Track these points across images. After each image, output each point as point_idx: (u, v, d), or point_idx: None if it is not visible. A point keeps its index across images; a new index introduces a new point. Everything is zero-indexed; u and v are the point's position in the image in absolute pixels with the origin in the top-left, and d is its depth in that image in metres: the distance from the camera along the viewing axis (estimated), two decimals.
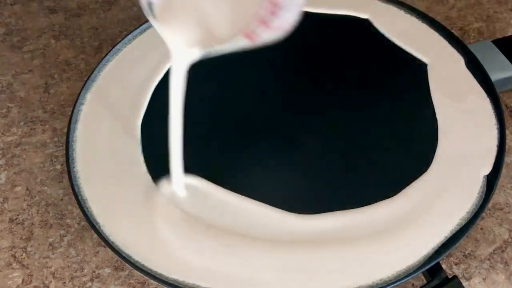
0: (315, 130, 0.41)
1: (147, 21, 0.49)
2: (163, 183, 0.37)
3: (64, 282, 0.40)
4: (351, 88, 0.44)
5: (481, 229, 0.41)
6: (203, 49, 0.31)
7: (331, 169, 0.39)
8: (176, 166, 0.36)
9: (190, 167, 0.36)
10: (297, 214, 0.36)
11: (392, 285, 0.33)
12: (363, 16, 0.48)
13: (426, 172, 0.38)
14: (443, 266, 0.38)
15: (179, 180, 0.37)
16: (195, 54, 0.31)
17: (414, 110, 0.42)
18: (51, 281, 0.40)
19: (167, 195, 0.37)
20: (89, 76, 0.45)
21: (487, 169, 0.38)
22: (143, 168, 0.39)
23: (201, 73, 0.34)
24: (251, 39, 0.28)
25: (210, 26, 0.29)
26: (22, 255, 0.41)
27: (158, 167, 0.38)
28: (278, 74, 0.46)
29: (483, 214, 0.39)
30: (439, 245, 0.34)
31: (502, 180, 0.43)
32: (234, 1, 0.29)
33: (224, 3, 0.29)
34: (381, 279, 0.33)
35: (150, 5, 0.30)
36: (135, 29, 0.48)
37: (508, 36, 0.50)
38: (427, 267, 0.33)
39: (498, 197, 0.43)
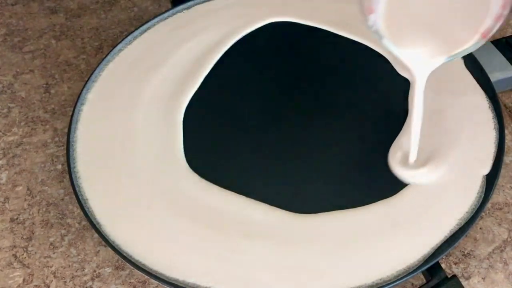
0: (318, 133, 0.41)
1: (147, 21, 0.49)
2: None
3: (65, 282, 0.40)
4: (351, 90, 0.44)
5: (480, 228, 0.41)
6: (443, 57, 0.31)
7: (331, 169, 0.39)
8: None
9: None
10: (296, 214, 0.36)
11: (392, 285, 0.33)
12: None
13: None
14: (443, 265, 0.38)
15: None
16: (436, 63, 0.31)
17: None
18: (52, 281, 0.40)
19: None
20: (90, 76, 0.45)
21: (487, 169, 0.38)
22: (144, 167, 0.39)
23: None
24: (485, 36, 0.29)
25: (445, 33, 0.30)
26: (23, 254, 0.41)
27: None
28: (285, 84, 0.46)
29: (482, 213, 0.39)
30: (439, 244, 0.34)
31: (501, 180, 0.43)
32: (464, 4, 0.29)
33: (453, 9, 0.30)
34: (381, 279, 0.33)
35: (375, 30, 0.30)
36: (136, 29, 0.49)
37: (508, 37, 0.50)
38: (427, 266, 0.34)
39: (497, 197, 0.43)
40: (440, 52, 0.31)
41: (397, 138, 0.39)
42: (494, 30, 0.29)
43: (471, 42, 0.30)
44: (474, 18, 0.30)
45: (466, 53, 0.31)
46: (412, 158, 0.37)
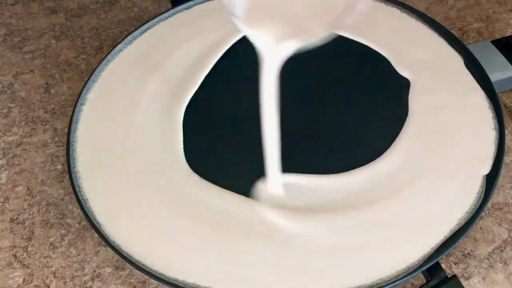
0: (318, 133, 0.42)
1: (147, 21, 0.49)
2: (260, 188, 0.37)
3: (65, 282, 0.40)
4: (351, 90, 0.44)
5: (480, 228, 0.41)
6: (293, 44, 0.31)
7: (330, 168, 0.39)
8: (272, 166, 0.36)
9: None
10: (296, 213, 0.36)
11: (392, 285, 0.33)
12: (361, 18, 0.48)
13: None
14: (443, 265, 0.38)
15: (277, 180, 0.36)
16: (286, 51, 0.31)
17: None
18: (52, 281, 0.40)
19: (267, 198, 0.37)
20: (90, 76, 0.45)
21: (487, 169, 0.38)
22: (144, 167, 0.39)
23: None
24: (337, 28, 0.30)
25: (299, 21, 0.30)
26: (23, 254, 0.41)
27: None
28: (286, 84, 0.46)
29: (483, 213, 0.39)
30: (439, 244, 0.34)
31: (501, 180, 0.43)
32: None
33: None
34: (381, 279, 0.33)
35: (233, 9, 0.30)
36: (136, 29, 0.49)
37: (508, 37, 0.50)
38: (427, 266, 0.34)
39: (497, 197, 0.43)
40: (289, 38, 0.31)
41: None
42: (349, 22, 0.29)
43: (320, 33, 0.30)
44: (326, 8, 0.30)
45: (314, 43, 0.31)
46: (271, 183, 0.37)
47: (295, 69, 0.46)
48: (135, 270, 0.34)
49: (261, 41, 0.31)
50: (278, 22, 0.31)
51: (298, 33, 0.31)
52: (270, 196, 0.37)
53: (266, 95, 0.33)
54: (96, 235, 0.38)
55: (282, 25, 0.31)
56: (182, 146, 0.40)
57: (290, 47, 0.31)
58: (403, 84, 0.44)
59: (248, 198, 0.37)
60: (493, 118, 0.40)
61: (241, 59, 0.46)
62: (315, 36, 0.31)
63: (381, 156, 0.39)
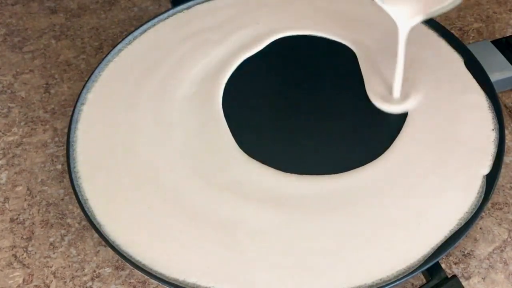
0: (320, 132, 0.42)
1: (147, 21, 0.49)
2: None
3: (65, 282, 0.40)
4: (350, 90, 0.44)
5: (480, 228, 0.41)
6: (424, 15, 0.37)
7: (331, 170, 0.39)
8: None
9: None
10: (299, 213, 0.36)
11: (392, 285, 0.33)
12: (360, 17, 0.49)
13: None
14: (443, 265, 0.38)
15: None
16: (416, 21, 0.38)
17: None
18: (52, 281, 0.40)
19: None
20: (90, 76, 0.45)
21: (487, 169, 0.38)
22: (144, 167, 0.39)
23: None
24: None
25: None
26: (23, 254, 0.41)
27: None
28: (289, 79, 0.46)
29: (483, 213, 0.39)
30: (439, 244, 0.34)
31: (502, 180, 0.43)
32: None
33: None
34: (381, 279, 0.33)
35: None
36: (136, 29, 0.49)
37: (508, 37, 0.50)
38: (427, 266, 0.34)
39: (497, 197, 0.43)
40: (419, 10, 0.37)
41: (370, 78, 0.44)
42: None
43: (449, 1, 0.36)
44: None
45: (444, 11, 0.37)
46: (396, 93, 0.42)
47: (298, 69, 0.46)
48: (135, 270, 0.34)
49: (398, 13, 0.38)
50: None
51: (425, 5, 0.37)
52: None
53: (400, 51, 0.39)
54: (96, 235, 0.38)
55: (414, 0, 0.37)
56: (181, 145, 0.40)
57: (419, 18, 0.38)
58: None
59: (247, 198, 0.37)
60: (493, 118, 0.40)
61: (241, 58, 0.47)
62: (439, 5, 0.37)
63: (381, 156, 0.39)
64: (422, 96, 0.42)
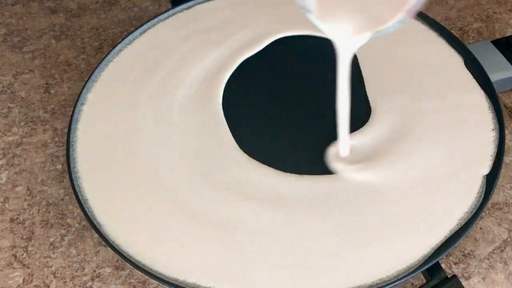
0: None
1: (147, 21, 0.49)
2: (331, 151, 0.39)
3: (65, 282, 0.40)
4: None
5: (480, 228, 0.41)
6: (367, 35, 0.32)
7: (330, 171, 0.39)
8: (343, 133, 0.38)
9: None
10: (300, 213, 0.36)
11: (392, 285, 0.33)
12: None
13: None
14: (443, 265, 0.38)
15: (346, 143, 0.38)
16: (362, 40, 0.32)
17: None
18: (52, 281, 0.40)
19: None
20: (90, 76, 0.45)
21: (487, 169, 0.38)
22: (144, 167, 0.39)
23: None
24: (410, 13, 0.30)
25: (369, 10, 0.31)
26: (23, 254, 0.41)
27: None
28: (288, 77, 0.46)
29: (483, 213, 0.39)
30: (439, 244, 0.34)
31: (502, 180, 0.43)
32: None
33: None
34: (381, 279, 0.33)
35: (304, 3, 0.31)
36: (136, 29, 0.49)
37: (508, 37, 0.50)
38: (427, 266, 0.34)
39: (497, 197, 0.43)
40: (364, 29, 0.32)
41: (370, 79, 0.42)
42: (418, 7, 0.30)
43: (394, 20, 0.31)
44: None
45: (390, 30, 0.31)
46: (343, 151, 0.38)
47: (298, 69, 0.46)
48: (135, 270, 0.34)
49: (335, 34, 0.32)
50: (351, 13, 0.31)
51: (371, 23, 0.31)
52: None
53: (341, 79, 0.35)
54: (96, 235, 0.38)
55: (355, 16, 0.32)
56: (181, 145, 0.40)
57: (364, 38, 0.32)
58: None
59: (248, 199, 0.37)
60: (493, 118, 0.40)
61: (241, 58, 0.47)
62: (388, 24, 0.31)
63: (381, 156, 0.39)
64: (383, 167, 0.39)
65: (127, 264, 0.35)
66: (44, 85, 0.53)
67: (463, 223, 0.35)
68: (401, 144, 0.40)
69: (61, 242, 0.42)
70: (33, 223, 0.43)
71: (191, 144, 0.41)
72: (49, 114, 0.50)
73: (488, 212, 0.42)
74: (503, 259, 0.39)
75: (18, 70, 0.54)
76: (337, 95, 0.36)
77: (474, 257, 0.40)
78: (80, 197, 0.38)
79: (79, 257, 0.41)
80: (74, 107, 0.43)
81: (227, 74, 0.45)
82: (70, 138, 0.41)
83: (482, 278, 0.39)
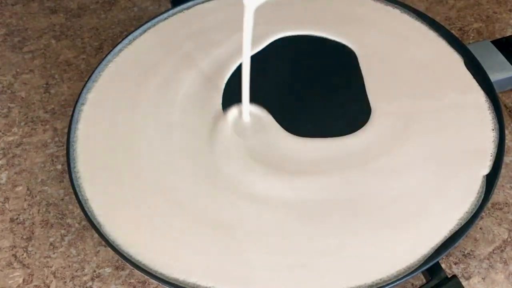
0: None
1: (147, 21, 0.49)
2: (231, 112, 0.41)
3: (65, 282, 0.40)
4: (349, 89, 0.44)
5: (480, 228, 0.41)
6: None
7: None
8: (245, 94, 0.39)
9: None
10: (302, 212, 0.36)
11: (392, 285, 0.33)
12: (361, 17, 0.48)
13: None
14: (443, 265, 0.38)
15: (246, 107, 0.40)
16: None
17: None
18: (52, 281, 0.40)
19: (231, 120, 0.40)
20: (90, 76, 0.45)
21: (487, 169, 0.38)
22: (144, 167, 0.39)
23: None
24: None
25: None
26: (23, 254, 0.41)
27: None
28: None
29: (483, 213, 0.39)
30: (439, 244, 0.34)
31: (502, 180, 0.43)
32: None
33: None
34: (381, 279, 0.33)
35: None
36: (136, 29, 0.49)
37: (508, 37, 0.50)
38: (427, 266, 0.34)
39: (497, 197, 0.43)
40: None
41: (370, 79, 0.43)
42: None
43: None
44: None
45: None
46: (246, 115, 0.40)
47: (298, 69, 0.46)
48: (135, 270, 0.34)
49: None
50: None
51: None
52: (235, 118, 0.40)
53: (245, 35, 0.37)
54: (96, 235, 0.38)
55: None
56: (181, 145, 0.40)
57: None
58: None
59: (248, 200, 0.37)
60: (493, 118, 0.40)
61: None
62: None
63: (381, 156, 0.39)
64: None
65: (127, 264, 0.35)
66: (44, 85, 0.53)
67: (463, 223, 0.35)
68: (401, 144, 0.40)
69: (61, 242, 0.42)
70: (33, 223, 0.43)
71: (191, 144, 0.41)
72: (49, 114, 0.50)
73: (488, 212, 0.42)
74: (503, 259, 0.39)
75: (18, 70, 0.55)
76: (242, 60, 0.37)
77: (474, 257, 0.40)
78: (80, 197, 0.38)
79: (79, 257, 0.41)
80: (74, 107, 0.43)
81: (227, 74, 0.45)
82: (70, 138, 0.41)
83: (482, 278, 0.39)
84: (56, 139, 0.49)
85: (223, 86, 0.44)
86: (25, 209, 0.44)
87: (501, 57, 0.47)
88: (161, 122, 0.42)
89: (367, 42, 0.47)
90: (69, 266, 0.41)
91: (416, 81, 0.44)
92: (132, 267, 0.34)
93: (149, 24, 0.49)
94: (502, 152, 0.38)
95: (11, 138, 0.49)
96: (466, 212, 0.36)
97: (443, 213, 0.36)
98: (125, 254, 0.35)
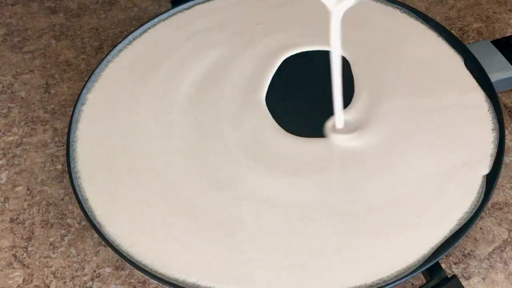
0: None
1: (147, 21, 0.49)
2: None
3: (65, 282, 0.40)
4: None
5: (480, 228, 0.41)
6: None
7: None
8: (338, 102, 0.39)
9: None
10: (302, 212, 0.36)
11: (392, 285, 0.33)
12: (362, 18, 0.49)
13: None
14: (443, 265, 0.38)
15: (340, 114, 0.39)
16: (348, 5, 0.34)
17: None
18: (52, 281, 0.40)
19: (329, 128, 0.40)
20: (90, 76, 0.45)
21: (487, 169, 0.38)
22: (144, 167, 0.39)
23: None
24: None
25: None
26: (23, 254, 0.41)
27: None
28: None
29: (483, 213, 0.39)
30: (439, 244, 0.34)
31: (501, 180, 0.43)
32: None
33: None
34: (381, 279, 0.33)
35: None
36: (136, 29, 0.49)
37: (508, 37, 0.50)
38: (427, 266, 0.34)
39: (497, 197, 0.43)
40: None
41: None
42: None
43: None
44: None
45: None
46: (339, 122, 0.40)
47: (298, 69, 0.46)
48: (135, 270, 0.34)
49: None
50: None
51: None
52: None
53: (333, 39, 0.36)
54: (96, 235, 0.38)
55: None
56: (181, 145, 0.40)
57: (350, 2, 0.34)
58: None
59: (247, 199, 0.37)
60: (493, 118, 0.40)
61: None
62: None
63: (381, 156, 0.39)
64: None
65: (127, 264, 0.35)
66: (44, 85, 0.53)
67: (463, 223, 0.35)
68: (401, 144, 0.40)
69: (61, 242, 0.42)
70: (33, 223, 0.43)
71: (191, 144, 0.41)
72: (49, 114, 0.50)
73: (488, 212, 0.42)
74: (503, 259, 0.39)
75: (18, 70, 0.55)
76: (332, 70, 0.37)
77: (474, 257, 0.40)
78: (80, 197, 0.38)
79: (79, 257, 0.41)
80: (74, 107, 0.43)
81: (227, 74, 0.45)
82: (70, 138, 0.41)
83: (482, 278, 0.39)
84: (56, 139, 0.49)
85: (223, 86, 0.44)
86: (25, 209, 0.44)
87: (501, 57, 0.47)
88: (161, 122, 0.42)
89: (367, 42, 0.47)
90: (69, 266, 0.41)
91: (416, 81, 0.44)
92: (132, 267, 0.34)
93: (149, 24, 0.49)
94: (502, 152, 0.38)
95: (11, 138, 0.49)
96: (466, 212, 0.36)
97: (443, 213, 0.36)
98: (125, 254, 0.35)
